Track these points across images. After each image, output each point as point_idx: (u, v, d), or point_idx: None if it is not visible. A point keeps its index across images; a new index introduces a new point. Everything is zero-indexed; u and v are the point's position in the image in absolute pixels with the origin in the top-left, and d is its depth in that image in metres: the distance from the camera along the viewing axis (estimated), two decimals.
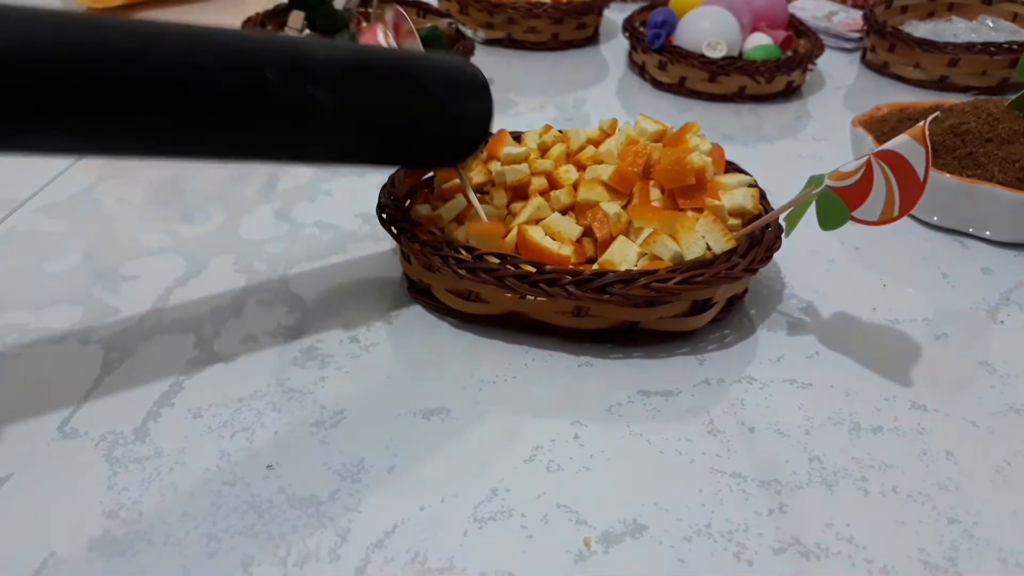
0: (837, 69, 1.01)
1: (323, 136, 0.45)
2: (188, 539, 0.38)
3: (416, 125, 0.49)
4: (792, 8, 1.11)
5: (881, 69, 0.99)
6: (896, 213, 0.45)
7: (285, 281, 0.55)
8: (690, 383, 0.48)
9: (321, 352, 0.49)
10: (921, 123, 0.44)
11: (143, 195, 0.66)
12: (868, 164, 0.46)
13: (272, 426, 0.44)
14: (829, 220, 0.47)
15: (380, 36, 0.53)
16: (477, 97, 0.52)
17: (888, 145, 0.45)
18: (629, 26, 0.96)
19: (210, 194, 0.66)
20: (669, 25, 0.90)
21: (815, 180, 0.49)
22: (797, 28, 0.99)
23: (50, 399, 0.45)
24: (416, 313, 0.53)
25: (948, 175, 0.63)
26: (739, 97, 0.89)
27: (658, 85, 0.92)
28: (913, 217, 0.67)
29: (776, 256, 0.61)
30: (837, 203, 0.47)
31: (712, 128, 0.83)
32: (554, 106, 0.87)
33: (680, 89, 0.90)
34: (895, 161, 0.45)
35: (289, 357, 0.49)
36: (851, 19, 1.11)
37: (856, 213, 0.47)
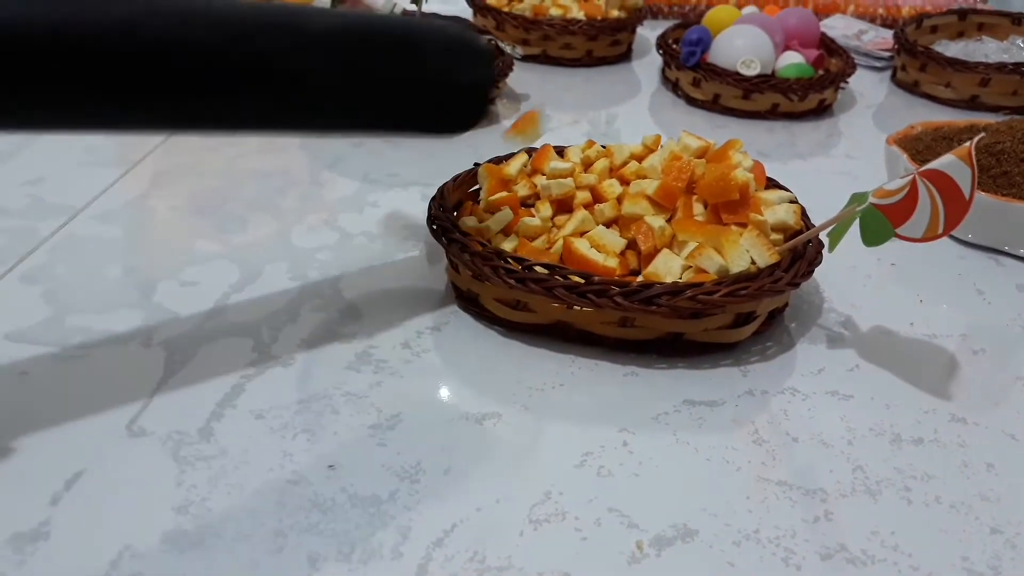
0: (867, 87, 1.02)
1: (321, 106, 0.46)
2: (256, 535, 0.39)
3: (415, 92, 0.49)
4: (822, 27, 1.12)
5: (912, 88, 1.00)
6: (941, 231, 0.47)
7: (338, 289, 0.57)
8: (734, 394, 0.50)
9: (375, 357, 0.51)
10: (968, 144, 0.45)
11: (192, 203, 0.68)
12: (913, 183, 0.47)
13: (331, 427, 0.46)
14: (873, 236, 0.49)
15: None
16: (478, 63, 0.51)
17: (934, 164, 0.46)
18: (663, 43, 0.98)
19: (256, 203, 0.68)
20: (704, 43, 0.92)
21: (858, 198, 0.50)
22: (829, 47, 1.00)
23: (117, 399, 0.47)
24: (464, 321, 0.55)
25: (983, 193, 0.64)
26: (772, 114, 0.91)
27: (691, 102, 0.94)
28: (948, 235, 0.68)
29: (815, 272, 0.62)
30: (881, 220, 0.48)
31: (746, 145, 0.84)
32: (587, 122, 0.89)
33: (714, 106, 0.92)
34: (940, 180, 0.46)
35: (344, 362, 0.50)
36: (881, 38, 1.12)
37: (900, 230, 0.48)
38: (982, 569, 0.40)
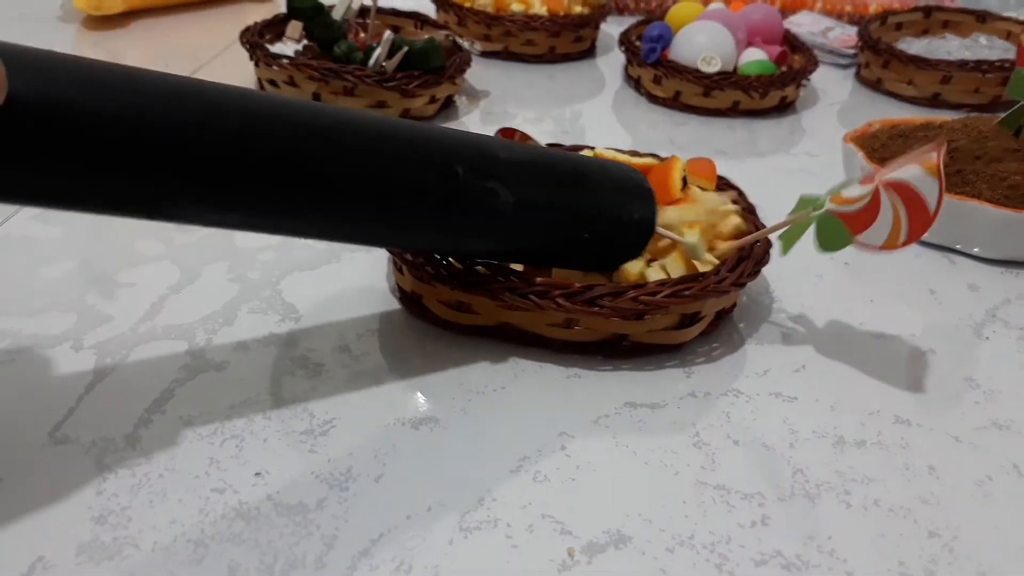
0: (831, 85, 1.02)
1: (503, 229, 0.47)
2: (175, 545, 0.38)
3: (586, 224, 0.50)
4: (788, 23, 1.12)
5: (875, 85, 1.00)
6: (901, 241, 0.46)
7: (278, 290, 0.56)
8: (676, 396, 0.49)
9: (313, 361, 0.50)
10: (936, 158, 0.45)
11: None
12: (876, 192, 0.47)
13: (262, 434, 0.44)
14: (829, 242, 0.48)
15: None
16: (642, 201, 0.52)
17: (899, 176, 0.46)
18: (625, 40, 0.97)
19: None
20: (664, 40, 0.91)
21: (807, 202, 0.50)
22: (792, 44, 0.99)
23: (41, 405, 0.45)
24: (408, 323, 0.54)
25: None
26: (733, 112, 0.90)
27: (653, 99, 0.93)
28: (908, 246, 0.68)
29: (765, 271, 0.62)
30: (838, 227, 0.48)
31: (706, 142, 0.84)
32: (551, 119, 0.88)
33: (675, 103, 0.91)
34: (905, 192, 0.46)
35: (281, 366, 0.49)
36: (847, 35, 1.12)
37: (859, 238, 0.47)
38: (917, 573, 0.39)
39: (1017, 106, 0.66)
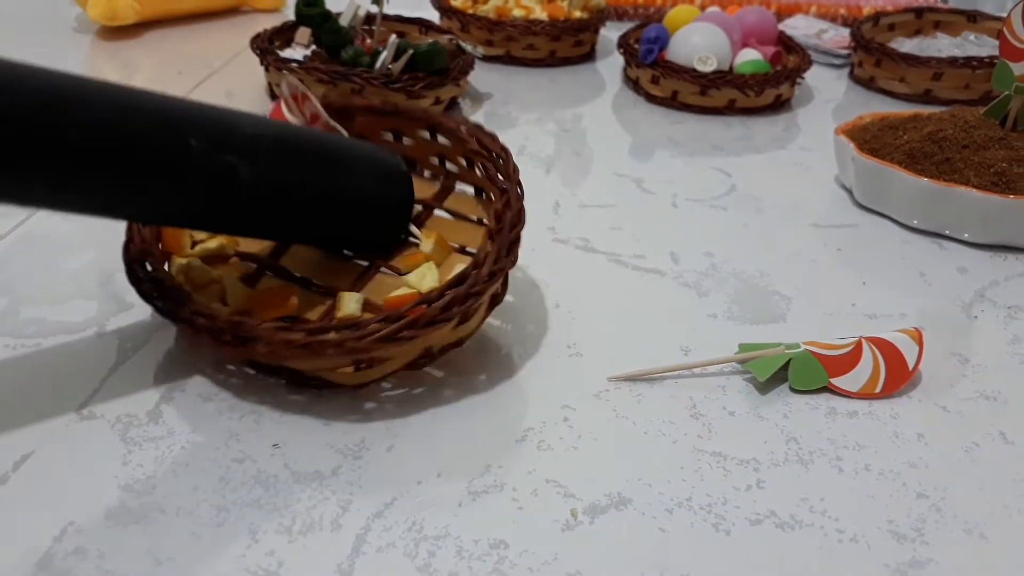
0: (825, 84, 1.04)
1: (242, 207, 0.46)
2: (198, 510, 0.40)
3: (336, 206, 0.50)
4: (783, 26, 1.14)
5: (868, 83, 1.02)
6: (878, 390, 0.50)
7: None
8: (676, 370, 0.51)
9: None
10: (918, 328, 0.51)
11: None
12: (859, 344, 0.51)
13: (279, 408, 0.47)
14: (803, 380, 0.50)
15: (284, 110, 0.56)
16: (398, 185, 0.53)
17: (883, 335, 0.51)
18: (624, 43, 0.99)
19: None
20: (662, 41, 0.94)
21: (746, 347, 0.52)
22: (786, 44, 1.02)
23: (68, 385, 0.48)
24: None
25: (927, 180, 0.66)
26: (729, 110, 0.92)
27: (651, 99, 0.95)
28: (893, 220, 0.70)
29: (758, 255, 0.64)
30: (815, 366, 0.50)
31: (703, 139, 0.86)
32: (553, 121, 0.90)
33: (672, 103, 0.94)
34: (887, 348, 0.50)
35: None
36: (840, 36, 1.14)
37: (835, 380, 0.50)
38: (906, 531, 0.41)
39: (1002, 96, 0.69)
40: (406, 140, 0.61)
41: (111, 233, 0.63)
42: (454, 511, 0.41)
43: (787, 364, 0.50)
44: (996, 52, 0.99)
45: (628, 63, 1.00)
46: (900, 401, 0.49)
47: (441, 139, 0.59)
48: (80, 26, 1.10)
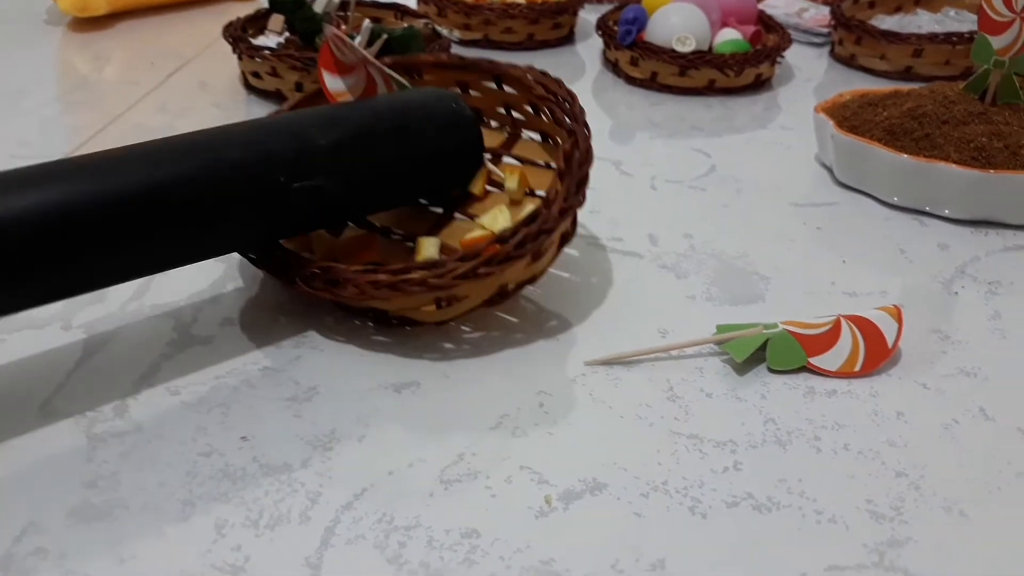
0: (806, 63, 1.03)
1: (332, 211, 0.51)
2: (165, 505, 0.39)
3: (408, 170, 0.54)
4: (764, 5, 1.13)
5: (849, 61, 1.01)
6: (857, 369, 0.49)
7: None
8: (651, 353, 0.50)
9: (297, 332, 0.51)
10: (897, 306, 0.50)
11: None
12: (837, 323, 0.50)
13: (247, 401, 0.46)
14: (781, 360, 0.49)
15: (334, 49, 0.59)
16: (464, 131, 0.56)
17: (862, 313, 0.50)
18: (602, 25, 0.98)
19: None
20: (640, 22, 0.93)
21: (724, 328, 0.51)
22: (766, 23, 1.01)
23: (31, 381, 0.47)
24: None
25: (907, 156, 0.65)
26: (709, 90, 0.91)
27: (631, 80, 0.94)
28: (874, 197, 0.69)
29: (738, 236, 0.63)
30: (793, 346, 0.49)
31: (682, 120, 0.86)
32: None
33: (652, 84, 0.93)
34: (865, 326, 0.50)
35: (266, 338, 0.50)
36: (821, 15, 1.13)
37: (814, 360, 0.49)
38: (884, 510, 0.40)
39: (981, 70, 0.68)
40: (472, 92, 0.63)
41: None
42: (425, 501, 0.40)
43: (765, 344, 0.49)
44: (976, 27, 0.99)
45: (607, 45, 0.99)
46: (880, 379, 0.49)
47: (507, 88, 0.61)
48: (51, 18, 1.08)
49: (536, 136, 0.62)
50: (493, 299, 0.50)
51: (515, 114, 0.62)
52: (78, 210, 0.41)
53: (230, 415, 0.45)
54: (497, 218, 0.51)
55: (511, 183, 0.57)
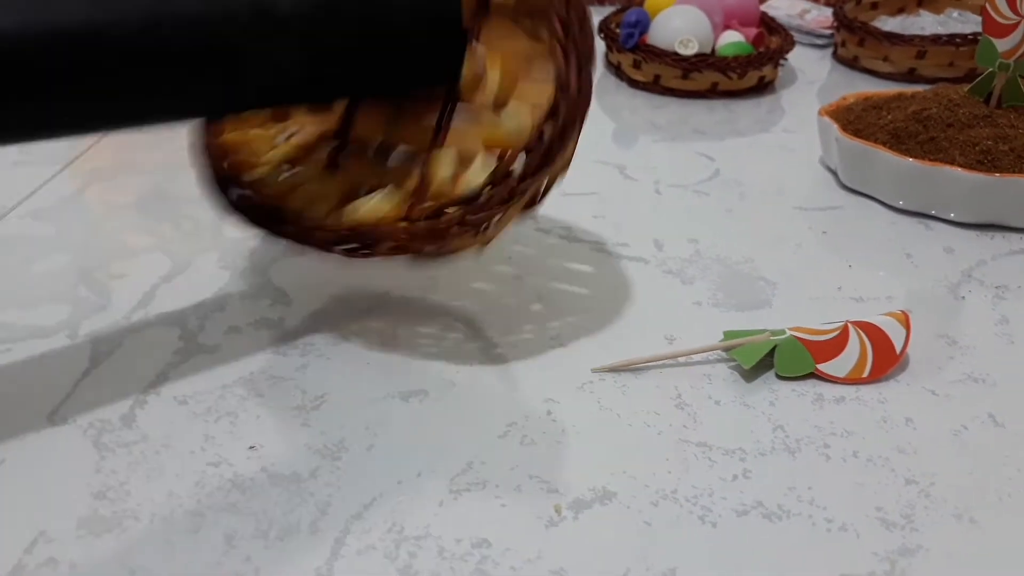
0: (809, 65, 1.03)
1: (293, 83, 0.46)
2: (173, 516, 0.39)
3: (384, 44, 0.47)
4: (766, 7, 1.13)
5: (851, 63, 1.01)
6: (865, 375, 0.49)
7: (267, 276, 0.57)
8: (660, 359, 0.50)
9: (303, 340, 0.51)
10: (904, 311, 0.50)
11: (129, 199, 0.67)
12: (845, 329, 0.50)
13: (255, 410, 0.46)
14: (789, 366, 0.49)
15: None
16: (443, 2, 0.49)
17: (869, 318, 0.50)
18: (604, 28, 0.98)
19: (191, 197, 0.67)
20: (642, 24, 0.93)
21: (730, 334, 0.51)
22: (769, 26, 1.01)
23: (39, 390, 0.47)
24: (396, 300, 0.55)
25: (911, 160, 0.65)
26: (712, 93, 0.91)
27: (634, 84, 0.94)
28: (879, 201, 0.69)
29: (743, 241, 0.63)
30: (801, 352, 0.49)
31: (685, 123, 0.85)
32: None
33: (655, 87, 0.92)
34: (873, 332, 0.50)
35: (272, 346, 0.50)
36: (823, 16, 1.13)
37: (822, 366, 0.49)
38: (895, 518, 0.40)
39: (985, 73, 0.68)
40: None
41: (86, 235, 0.62)
42: (435, 511, 0.40)
43: (773, 351, 0.49)
44: (979, 28, 0.99)
45: (609, 48, 0.98)
46: (888, 385, 0.49)
47: None
48: None
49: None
50: (525, 208, 0.47)
51: None
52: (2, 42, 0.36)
53: (238, 424, 0.45)
54: (517, 113, 0.46)
55: (493, 76, 0.49)
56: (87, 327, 0.52)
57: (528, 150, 0.43)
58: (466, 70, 0.50)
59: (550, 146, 0.43)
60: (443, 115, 0.50)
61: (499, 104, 0.48)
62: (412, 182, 0.49)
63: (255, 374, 0.48)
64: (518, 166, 0.44)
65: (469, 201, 0.43)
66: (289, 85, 0.46)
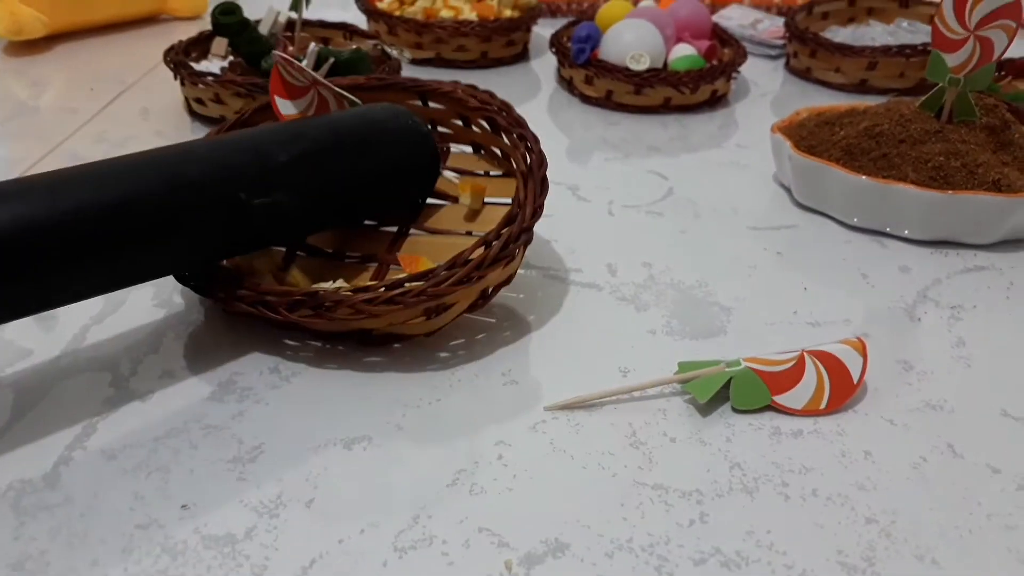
0: (762, 76, 1.03)
1: (290, 226, 0.52)
2: None
3: (366, 186, 0.54)
4: (718, 17, 1.13)
5: (804, 75, 1.01)
6: (823, 406, 0.48)
7: (203, 314, 0.55)
8: (614, 395, 0.48)
9: (240, 385, 0.48)
10: (860, 339, 0.49)
11: None
12: (801, 358, 0.48)
13: (188, 464, 0.43)
14: (745, 399, 0.48)
15: (283, 74, 0.58)
16: (421, 147, 0.57)
17: (825, 347, 0.49)
18: (556, 42, 0.97)
19: None
20: (593, 39, 0.91)
21: (685, 366, 0.50)
22: (721, 37, 1.00)
23: None
24: (343, 344, 0.53)
25: (864, 177, 0.65)
26: (665, 108, 0.90)
27: (586, 99, 0.93)
28: (833, 219, 0.68)
29: (697, 264, 0.62)
30: (757, 384, 0.48)
31: (639, 140, 0.84)
32: None
33: (607, 103, 0.91)
34: (829, 361, 0.48)
35: (207, 392, 0.48)
36: (775, 27, 1.13)
37: (778, 398, 0.48)
38: (856, 561, 0.39)
39: (936, 88, 0.67)
40: None
41: None
42: (379, 572, 0.38)
43: (728, 383, 0.48)
44: (929, 39, 0.99)
45: (561, 63, 0.97)
46: (846, 416, 0.48)
47: (433, 104, 0.63)
48: None
49: (467, 148, 0.65)
50: (475, 304, 0.51)
51: (441, 128, 0.64)
52: (32, 228, 0.40)
53: (170, 481, 0.42)
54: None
55: (465, 199, 0.60)
56: (9, 375, 0.49)
57: (487, 243, 0.49)
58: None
59: (504, 245, 0.49)
60: (399, 233, 0.60)
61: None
62: (366, 276, 0.57)
63: (189, 423, 0.46)
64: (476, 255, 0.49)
65: (423, 276, 0.47)
66: (286, 227, 0.51)
